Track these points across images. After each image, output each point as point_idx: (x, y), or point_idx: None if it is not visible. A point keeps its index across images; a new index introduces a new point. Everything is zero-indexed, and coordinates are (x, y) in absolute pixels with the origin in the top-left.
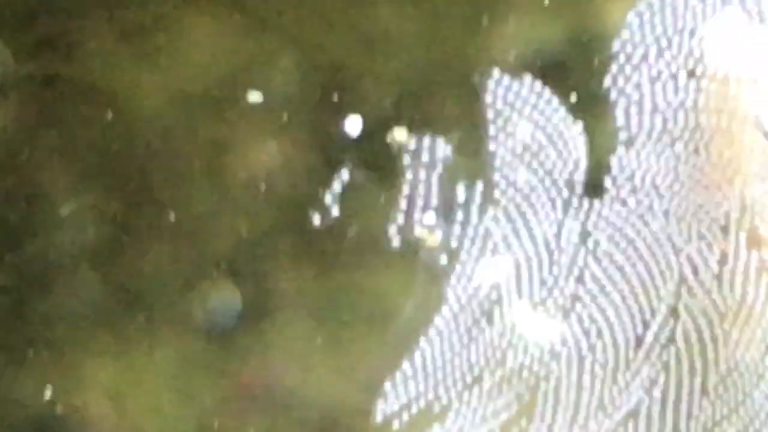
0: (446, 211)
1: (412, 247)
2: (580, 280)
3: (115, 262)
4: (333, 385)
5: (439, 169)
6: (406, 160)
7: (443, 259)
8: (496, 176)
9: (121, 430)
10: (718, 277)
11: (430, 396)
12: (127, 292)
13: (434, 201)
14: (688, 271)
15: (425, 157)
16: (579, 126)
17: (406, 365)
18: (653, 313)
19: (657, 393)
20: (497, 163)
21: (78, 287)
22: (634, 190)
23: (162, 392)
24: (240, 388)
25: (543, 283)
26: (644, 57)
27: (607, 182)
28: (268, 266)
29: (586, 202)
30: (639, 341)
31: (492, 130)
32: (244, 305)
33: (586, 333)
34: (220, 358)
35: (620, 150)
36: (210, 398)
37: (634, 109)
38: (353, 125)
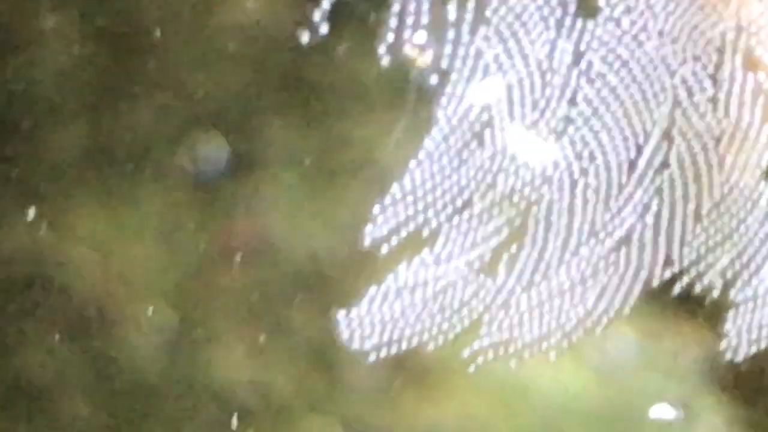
0: (437, 30)
1: (401, 67)
2: (572, 101)
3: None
4: (319, 236)
5: None
6: None
7: (433, 80)
8: None
9: (107, 281)
10: (713, 100)
11: (420, 220)
12: (113, 141)
13: (425, 19)
14: (682, 94)
15: None
16: None
17: (395, 188)
18: (647, 136)
19: (650, 219)
20: None
21: (63, 135)
22: (628, 10)
23: (148, 243)
24: (226, 238)
25: (535, 104)
26: None
27: (601, 1)
28: (255, 116)
29: (579, 22)
30: (632, 165)
31: None
32: (231, 156)
33: (578, 156)
34: (207, 209)
35: None
36: (196, 249)
37: None
38: None
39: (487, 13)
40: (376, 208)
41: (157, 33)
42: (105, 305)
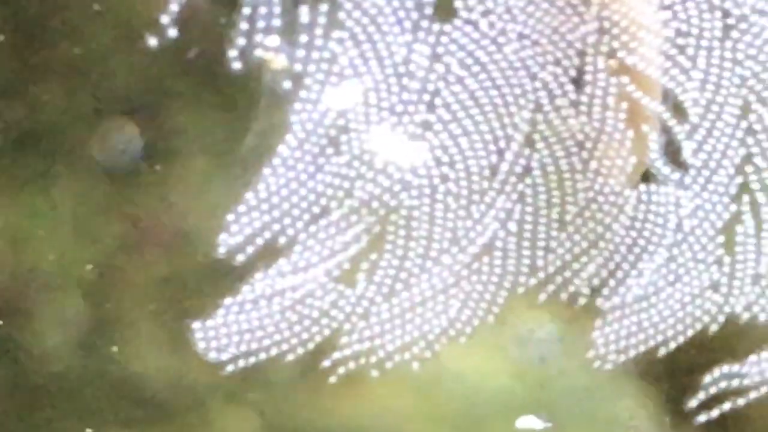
0: (289, 33)
1: (254, 71)
2: (431, 106)
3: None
4: None
5: None
6: None
7: (287, 84)
8: None
9: (19, 271)
10: (576, 104)
11: (276, 228)
12: (24, 130)
13: (277, 22)
14: (544, 98)
15: None
16: None
17: (249, 196)
18: (508, 141)
19: (513, 226)
20: None
21: None
22: (486, 13)
23: (61, 233)
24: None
25: (392, 109)
26: None
27: (458, 3)
28: (168, 103)
29: (436, 25)
30: (493, 171)
31: None
32: (144, 144)
33: (438, 162)
34: (121, 198)
35: None
36: (110, 238)
37: None
38: None
39: (341, 15)
40: (231, 217)
41: (67, 20)
42: (16, 296)
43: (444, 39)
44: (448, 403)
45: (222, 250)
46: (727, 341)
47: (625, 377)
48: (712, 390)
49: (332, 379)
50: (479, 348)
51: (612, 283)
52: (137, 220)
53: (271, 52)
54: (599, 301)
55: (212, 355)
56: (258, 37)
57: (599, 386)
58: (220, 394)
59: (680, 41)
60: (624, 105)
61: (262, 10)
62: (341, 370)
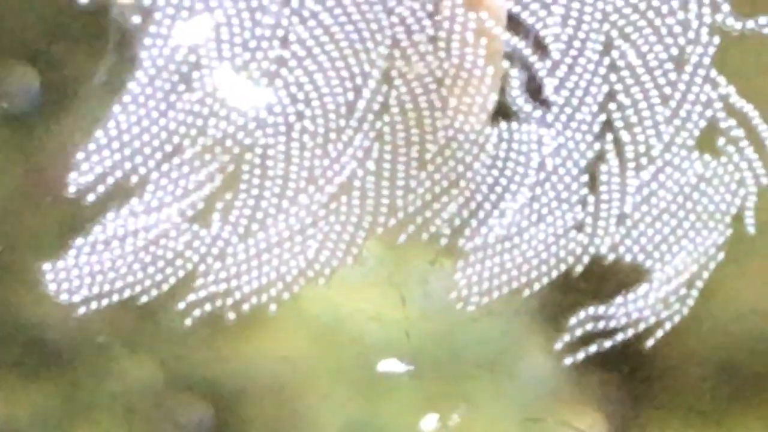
0: None
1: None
2: (284, 42)
3: None
4: None
5: None
6: None
7: (136, 19)
8: None
9: None
10: (434, 40)
11: (127, 167)
12: None
13: None
14: (401, 33)
15: None
16: None
17: (99, 134)
18: (365, 78)
19: (371, 165)
20: None
21: None
22: None
23: None
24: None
25: (245, 45)
26: None
27: None
28: (66, 49)
29: None
30: (350, 108)
31: None
32: (41, 89)
33: (293, 99)
34: (16, 145)
35: None
36: (5, 184)
37: None
38: None
39: None
40: (80, 155)
41: None
42: None
43: None
44: (348, 349)
45: (72, 190)
46: (593, 282)
47: (489, 319)
48: (578, 332)
49: (188, 322)
50: (384, 296)
51: (473, 223)
52: (34, 165)
53: None
54: (461, 242)
55: (64, 297)
56: None
57: (462, 328)
58: (118, 341)
59: None
60: (483, 41)
61: None
62: (196, 312)
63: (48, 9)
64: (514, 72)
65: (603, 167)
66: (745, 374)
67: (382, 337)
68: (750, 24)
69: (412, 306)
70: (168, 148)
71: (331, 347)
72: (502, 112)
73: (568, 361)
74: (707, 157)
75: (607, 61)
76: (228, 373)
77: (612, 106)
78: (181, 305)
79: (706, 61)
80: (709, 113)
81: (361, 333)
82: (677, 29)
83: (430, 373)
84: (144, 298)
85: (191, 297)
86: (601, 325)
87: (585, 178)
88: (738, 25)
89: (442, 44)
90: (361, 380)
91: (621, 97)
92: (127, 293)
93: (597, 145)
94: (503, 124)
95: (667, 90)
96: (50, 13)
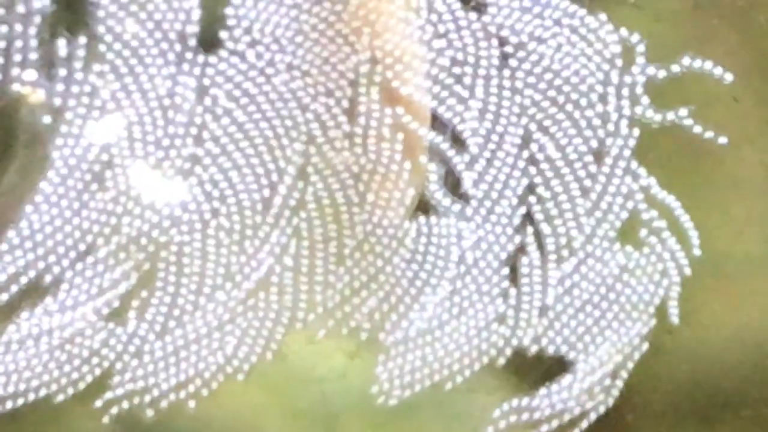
0: (47, 67)
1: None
2: (198, 140)
3: None
4: None
5: (37, 21)
6: (0, 12)
7: (47, 119)
8: (101, 29)
9: None
10: (350, 136)
11: (41, 266)
12: None
13: (33, 56)
14: (316, 130)
15: (20, 8)
16: None
17: (11, 234)
18: (281, 174)
19: (288, 260)
20: (101, 14)
21: None
22: (253, 43)
23: None
24: None
25: (158, 143)
26: None
27: (224, 34)
28: None
29: (201, 57)
30: (266, 205)
31: None
32: None
33: (208, 196)
34: None
35: (236, 0)
36: None
37: None
38: None
39: (101, 48)
40: None
41: None
42: None
43: (210, 71)
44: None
45: None
46: (516, 374)
47: (410, 412)
48: (503, 424)
49: (105, 420)
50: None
51: (394, 317)
52: None
53: (29, 87)
54: (381, 336)
55: None
56: (14, 72)
57: (384, 422)
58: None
59: (456, 70)
60: (400, 136)
61: (18, 43)
62: (114, 410)
63: None
64: (432, 166)
65: (524, 259)
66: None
67: None
68: (670, 115)
69: (332, 401)
70: (82, 247)
71: (291, 398)
72: (421, 206)
73: None
74: (629, 248)
75: (526, 154)
76: (183, 426)
77: (532, 199)
78: (98, 403)
79: (627, 153)
80: (630, 205)
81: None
82: (596, 122)
83: None
84: (60, 397)
85: (108, 395)
86: (526, 416)
87: (506, 270)
88: (658, 117)
89: (358, 140)
90: None
91: (541, 189)
92: (42, 392)
93: (517, 238)
94: (422, 218)
95: (588, 182)
96: None
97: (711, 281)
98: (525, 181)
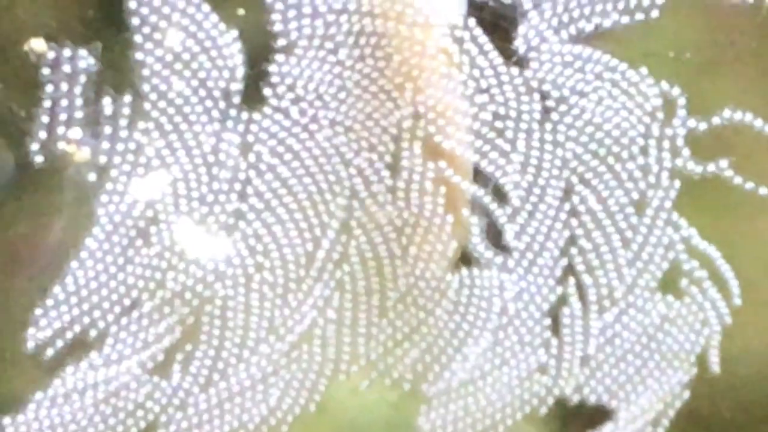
0: (93, 125)
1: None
2: (242, 195)
3: None
4: None
5: (83, 80)
6: (46, 71)
7: (92, 177)
8: (146, 87)
9: None
10: (393, 190)
11: (86, 321)
12: None
13: (79, 114)
14: (359, 184)
15: (66, 68)
16: (233, 33)
17: (57, 290)
18: (324, 229)
19: (332, 313)
20: (146, 73)
21: None
22: (297, 100)
23: None
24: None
25: (203, 199)
26: None
27: (267, 92)
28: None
29: (244, 114)
30: (310, 259)
31: (138, 38)
32: None
33: (252, 251)
34: None
35: (280, 57)
36: None
37: (292, 14)
38: None
39: (146, 106)
40: (38, 311)
41: None
42: None
43: (254, 127)
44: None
45: (30, 345)
46: (558, 423)
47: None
48: None
49: None
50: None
51: (436, 368)
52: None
53: (74, 145)
54: (424, 387)
55: None
56: (60, 130)
57: None
58: None
59: (498, 124)
60: (442, 189)
61: (64, 102)
62: None
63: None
64: (474, 219)
65: (565, 310)
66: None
67: None
68: (711, 167)
69: None
70: (126, 301)
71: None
72: (464, 258)
73: None
74: (670, 298)
75: (567, 206)
76: None
77: (573, 250)
78: None
79: (668, 204)
80: (671, 255)
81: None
82: (638, 174)
83: None
84: None
85: None
86: None
87: (548, 321)
88: (699, 169)
89: (401, 194)
90: None
91: (582, 241)
92: None
93: (559, 289)
94: (464, 271)
95: (629, 233)
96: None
97: (752, 330)
98: (566, 233)
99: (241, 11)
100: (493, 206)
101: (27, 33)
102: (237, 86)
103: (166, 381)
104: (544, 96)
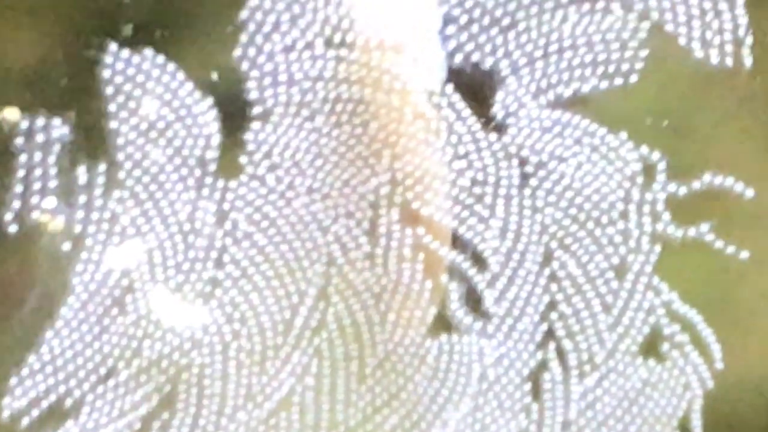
0: (67, 194)
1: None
2: (219, 263)
3: None
4: None
5: (57, 149)
6: (20, 140)
7: (67, 246)
8: (120, 156)
9: None
10: (371, 256)
11: (62, 390)
12: None
13: (53, 183)
14: (337, 251)
15: (40, 137)
16: (209, 101)
17: (32, 359)
18: (301, 296)
19: (310, 380)
20: (121, 141)
21: None
22: (272, 167)
23: None
24: None
25: (179, 267)
26: (276, 26)
27: (243, 159)
28: None
29: (220, 182)
30: (287, 326)
31: (113, 107)
32: None
33: (229, 319)
34: None
35: (255, 125)
36: None
37: (268, 81)
38: None
39: (121, 175)
40: (14, 380)
41: None
42: None
43: (230, 195)
44: None
45: (5, 414)
46: None
47: None
48: None
49: None
50: None
51: None
52: None
53: (49, 214)
54: None
55: None
56: (35, 200)
57: None
58: None
59: (477, 190)
60: (420, 256)
61: (38, 171)
62: None
63: None
64: (453, 285)
65: (546, 375)
66: None
67: None
68: (691, 231)
69: None
70: (103, 370)
71: None
72: (443, 324)
73: None
74: (652, 362)
75: (547, 271)
76: None
77: (553, 315)
78: None
79: (648, 268)
80: (652, 319)
81: None
82: (618, 239)
83: None
84: None
85: None
86: None
87: (528, 386)
88: (679, 233)
89: (379, 260)
90: None
91: (562, 306)
92: None
93: (539, 354)
94: (444, 337)
95: (609, 298)
96: None
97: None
98: (546, 298)
99: (215, 76)
100: (472, 272)
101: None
102: (213, 154)
103: None
104: (523, 161)
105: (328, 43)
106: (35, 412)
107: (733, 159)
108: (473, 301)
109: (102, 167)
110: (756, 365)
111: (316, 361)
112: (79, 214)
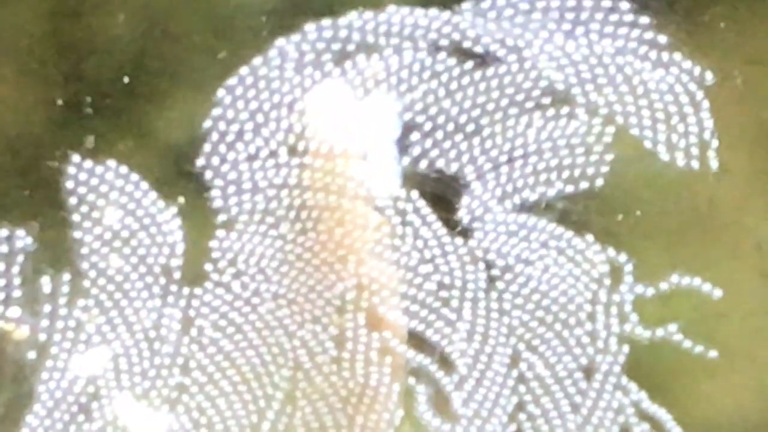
0: (31, 303)
1: None
2: (185, 369)
3: None
4: None
5: (20, 260)
6: None
7: (32, 354)
8: (85, 265)
9: None
10: (338, 361)
11: None
12: None
13: (17, 293)
14: (303, 356)
15: (3, 248)
16: (173, 209)
17: None
18: (268, 400)
19: None
20: (84, 251)
21: None
22: (238, 274)
23: None
24: None
25: (144, 374)
26: (239, 134)
27: (208, 266)
28: None
29: (186, 289)
30: (255, 430)
31: (76, 217)
32: None
33: (196, 424)
34: None
35: (220, 233)
36: None
37: (232, 190)
38: None
39: (86, 283)
40: None
41: None
42: None
43: (195, 302)
44: None
45: None
46: None
47: None
48: None
49: None
50: None
51: None
52: None
53: (13, 323)
54: None
55: None
56: None
57: None
58: None
59: (443, 294)
60: (388, 359)
61: (1, 281)
62: None
63: None
64: (421, 388)
65: None
66: None
67: None
68: (659, 332)
69: None
70: None
71: None
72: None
73: None
74: None
75: (515, 373)
76: None
77: (522, 416)
78: None
79: (616, 369)
80: (621, 419)
81: None
82: (585, 340)
83: None
84: None
85: None
86: None
87: None
88: (647, 334)
89: (346, 364)
90: None
91: (531, 407)
92: None
93: None
94: None
95: (578, 398)
96: None
97: None
98: (514, 399)
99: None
100: (440, 375)
101: None
102: (177, 262)
103: None
104: (490, 265)
105: (292, 151)
106: None
107: (700, 261)
108: (440, 402)
109: (66, 276)
110: None
111: None
112: (44, 322)
